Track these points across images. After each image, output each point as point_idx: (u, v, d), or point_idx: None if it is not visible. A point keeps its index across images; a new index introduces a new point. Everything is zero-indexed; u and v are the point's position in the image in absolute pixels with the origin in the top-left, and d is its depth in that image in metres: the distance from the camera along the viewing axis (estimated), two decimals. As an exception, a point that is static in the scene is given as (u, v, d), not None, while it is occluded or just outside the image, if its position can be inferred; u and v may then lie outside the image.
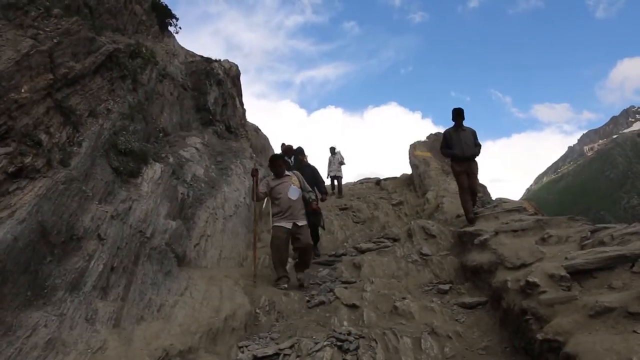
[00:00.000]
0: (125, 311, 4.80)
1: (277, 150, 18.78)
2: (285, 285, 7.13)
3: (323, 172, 17.57)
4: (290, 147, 12.41)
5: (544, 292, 4.44)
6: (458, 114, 8.77)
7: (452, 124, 8.87)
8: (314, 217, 7.77)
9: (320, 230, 10.00)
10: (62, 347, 3.91)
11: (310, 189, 7.99)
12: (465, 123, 8.84)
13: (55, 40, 5.79)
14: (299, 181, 7.65)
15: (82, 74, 6.22)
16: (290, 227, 7.25)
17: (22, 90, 4.88)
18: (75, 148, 5.53)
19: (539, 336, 4.00)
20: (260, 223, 9.51)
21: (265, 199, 10.16)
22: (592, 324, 3.74)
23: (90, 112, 6.20)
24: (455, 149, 8.66)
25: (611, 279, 4.30)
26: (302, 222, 7.38)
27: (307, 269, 7.67)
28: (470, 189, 8.61)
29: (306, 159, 12.53)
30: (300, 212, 7.43)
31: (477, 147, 8.76)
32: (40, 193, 4.45)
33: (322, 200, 9.56)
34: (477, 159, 8.87)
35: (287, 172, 7.65)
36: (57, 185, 4.73)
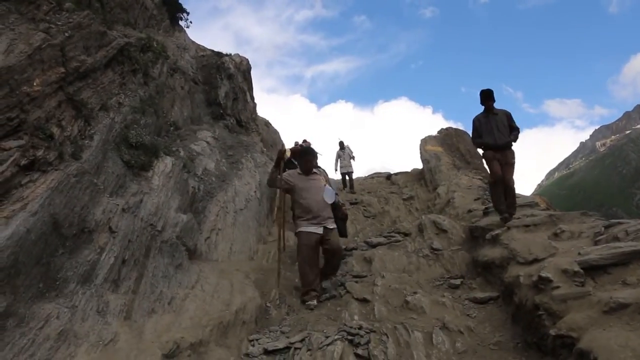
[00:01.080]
0: (136, 304, 4.82)
1: (287, 144, 18.66)
2: (315, 303, 6.20)
3: (330, 169, 17.17)
4: (299, 149, 11.93)
5: (557, 287, 4.40)
6: (487, 96, 7.58)
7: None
8: (342, 225, 6.83)
9: None
10: (74, 338, 3.93)
11: (336, 192, 7.03)
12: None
13: (66, 34, 5.80)
14: (328, 182, 6.87)
15: (93, 67, 6.23)
16: (321, 232, 6.38)
17: (34, 84, 4.90)
18: (86, 141, 5.55)
19: (552, 332, 3.96)
20: (270, 217, 9.50)
21: (277, 195, 9.36)
22: (606, 320, 3.69)
23: (102, 106, 6.22)
24: (487, 137, 7.46)
25: (625, 274, 4.25)
26: (331, 225, 6.53)
27: (335, 275, 6.89)
28: (504, 182, 7.34)
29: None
30: (330, 215, 6.58)
31: (513, 133, 7.48)
32: (52, 186, 4.47)
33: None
34: (514, 146, 7.56)
35: (315, 171, 6.79)
36: (68, 178, 4.74)
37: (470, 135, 7.94)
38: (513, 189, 7.42)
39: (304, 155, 6.75)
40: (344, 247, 9.26)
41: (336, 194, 6.84)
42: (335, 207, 6.70)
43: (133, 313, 4.69)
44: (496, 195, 7.51)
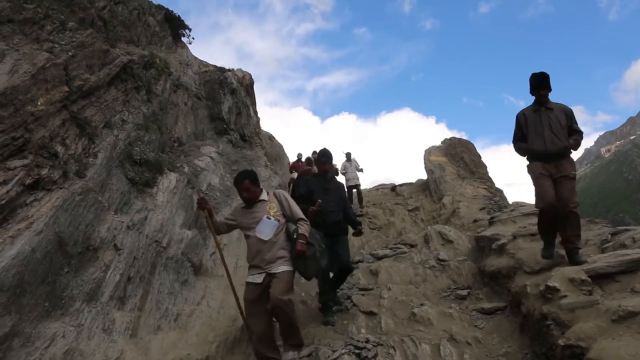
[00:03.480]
0: (142, 321, 4.82)
1: (292, 157, 18.58)
2: None
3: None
4: (309, 170, 9.74)
5: (564, 296, 4.36)
6: (540, 83, 5.31)
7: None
8: (302, 264, 4.57)
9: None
10: (80, 357, 3.93)
11: (302, 217, 4.74)
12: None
13: (70, 53, 5.86)
14: (281, 207, 4.70)
15: (97, 85, 6.28)
16: (260, 282, 4.47)
17: (38, 103, 4.94)
18: (90, 159, 5.58)
19: (561, 342, 3.91)
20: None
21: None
22: (615, 329, 3.65)
23: (106, 123, 6.26)
24: (534, 141, 5.27)
25: (634, 282, 4.21)
26: (279, 268, 4.45)
27: (299, 345, 4.69)
28: (562, 202, 5.02)
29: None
30: (278, 256, 4.50)
31: (573, 136, 5.26)
32: (56, 204, 4.49)
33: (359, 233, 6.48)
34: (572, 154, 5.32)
35: (262, 197, 4.69)
36: (73, 196, 4.76)
37: (513, 137, 5.65)
38: (575, 214, 5.09)
39: (236, 182, 4.74)
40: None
41: (300, 218, 4.71)
42: (291, 240, 4.60)
43: (139, 330, 4.68)
44: (545, 226, 5.30)
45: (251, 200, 4.64)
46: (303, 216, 4.74)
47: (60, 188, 4.72)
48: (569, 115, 5.30)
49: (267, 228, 4.50)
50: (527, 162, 5.47)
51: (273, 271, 4.43)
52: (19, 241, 3.94)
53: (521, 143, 5.46)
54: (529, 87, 5.42)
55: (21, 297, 3.79)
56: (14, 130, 4.51)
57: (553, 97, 5.33)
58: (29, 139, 4.65)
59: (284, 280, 4.40)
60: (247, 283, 4.56)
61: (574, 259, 4.97)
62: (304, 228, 4.62)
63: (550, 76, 5.32)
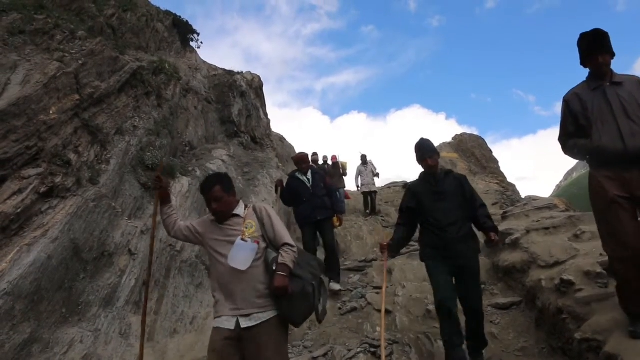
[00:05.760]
0: (158, 325, 4.86)
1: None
2: None
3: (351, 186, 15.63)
4: (304, 156, 7.70)
5: (579, 290, 4.33)
6: (596, 46, 3.42)
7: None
8: (286, 306, 3.08)
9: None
10: (99, 362, 3.97)
11: (288, 242, 3.23)
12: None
13: (80, 62, 5.93)
14: (262, 226, 3.28)
15: (107, 92, 6.34)
16: (232, 328, 3.02)
17: (51, 112, 5.01)
18: (103, 166, 5.64)
19: (577, 336, 3.89)
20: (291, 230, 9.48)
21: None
22: (632, 321, 3.62)
23: (117, 130, 6.31)
24: (603, 136, 3.30)
25: (650, 274, 4.17)
26: (253, 320, 3.03)
27: None
28: None
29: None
30: (255, 296, 3.08)
31: None
32: (71, 211, 4.55)
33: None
34: None
35: (237, 211, 3.31)
36: (87, 203, 4.82)
37: (560, 132, 3.70)
38: None
39: (203, 190, 3.34)
40: (363, 258, 9.11)
41: (286, 243, 3.23)
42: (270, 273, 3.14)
43: (155, 334, 4.73)
44: (626, 285, 3.34)
45: (223, 213, 3.29)
46: (290, 240, 3.29)
47: (74, 195, 4.78)
48: None
49: (242, 254, 3.13)
50: (591, 169, 3.51)
51: (247, 323, 3.02)
52: (35, 249, 4.00)
53: (578, 139, 3.50)
54: (578, 57, 3.57)
55: (39, 304, 3.84)
56: (28, 140, 4.58)
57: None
58: (43, 147, 4.71)
59: (267, 335, 3.03)
60: (215, 329, 3.10)
61: None
62: (288, 256, 3.16)
63: (609, 34, 3.43)
